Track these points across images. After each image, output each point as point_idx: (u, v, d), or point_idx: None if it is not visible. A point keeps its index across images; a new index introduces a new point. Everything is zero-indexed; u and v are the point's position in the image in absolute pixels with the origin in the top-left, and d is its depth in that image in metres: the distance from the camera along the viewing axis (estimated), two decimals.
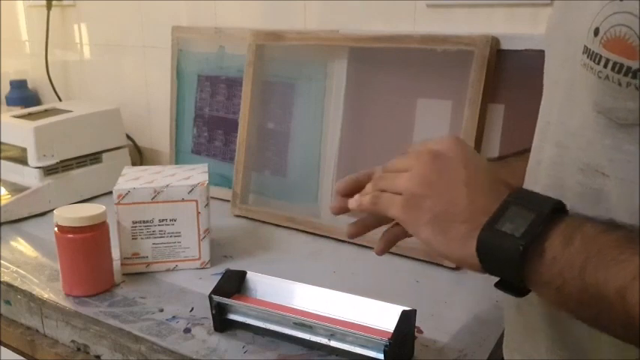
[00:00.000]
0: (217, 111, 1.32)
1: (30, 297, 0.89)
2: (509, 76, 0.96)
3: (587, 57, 0.44)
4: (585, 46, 0.45)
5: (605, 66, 0.43)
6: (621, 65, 0.42)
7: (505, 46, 0.96)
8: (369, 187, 0.58)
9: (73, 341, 0.85)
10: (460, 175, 0.51)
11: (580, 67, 0.46)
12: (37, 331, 0.90)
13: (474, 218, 0.48)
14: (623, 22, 0.41)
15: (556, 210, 0.45)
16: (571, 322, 0.49)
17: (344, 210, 0.61)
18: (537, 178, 0.55)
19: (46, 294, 0.89)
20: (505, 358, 0.63)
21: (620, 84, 0.42)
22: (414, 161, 0.53)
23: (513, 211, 0.46)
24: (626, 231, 0.42)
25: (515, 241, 0.44)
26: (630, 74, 0.41)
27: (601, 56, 0.43)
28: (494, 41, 0.96)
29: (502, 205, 0.47)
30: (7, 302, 0.93)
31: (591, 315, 0.43)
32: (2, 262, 0.99)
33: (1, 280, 0.94)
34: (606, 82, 0.43)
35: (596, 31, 0.43)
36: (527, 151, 0.66)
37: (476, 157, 0.53)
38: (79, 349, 0.85)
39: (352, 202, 0.59)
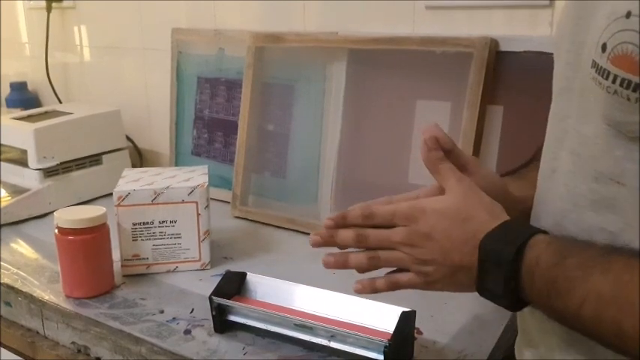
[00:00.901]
0: (217, 113, 1.32)
1: (30, 299, 0.90)
2: (508, 78, 0.96)
3: (596, 72, 0.45)
4: (593, 60, 0.45)
5: (614, 81, 0.43)
6: (629, 81, 0.42)
7: (504, 47, 0.97)
8: (360, 256, 0.61)
9: (73, 343, 0.85)
10: (448, 243, 0.56)
11: (589, 80, 0.46)
12: (38, 332, 0.90)
13: (470, 276, 0.55)
14: (629, 39, 0.42)
15: (519, 251, 0.50)
16: None
17: (324, 244, 0.63)
18: (552, 186, 0.55)
19: (46, 296, 0.89)
20: (517, 357, 0.63)
21: (629, 99, 0.43)
22: (408, 241, 0.58)
23: (490, 272, 0.52)
24: (577, 259, 0.48)
25: (501, 300, 0.53)
26: (639, 90, 0.42)
27: (609, 72, 0.44)
28: (493, 43, 0.96)
29: (479, 265, 0.53)
30: (8, 304, 0.93)
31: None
32: (3, 263, 0.99)
33: (2, 281, 0.94)
34: (615, 96, 0.44)
35: (604, 47, 0.44)
36: (532, 160, 0.67)
37: (455, 217, 0.56)
38: (79, 351, 0.85)
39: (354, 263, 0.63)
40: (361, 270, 0.62)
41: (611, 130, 0.46)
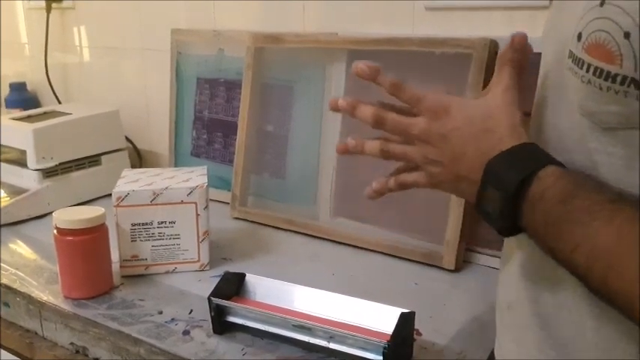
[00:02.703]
0: (216, 113, 1.32)
1: (29, 299, 0.89)
2: None
3: (572, 61, 0.45)
4: (570, 50, 0.45)
5: (588, 70, 0.43)
6: (602, 70, 0.42)
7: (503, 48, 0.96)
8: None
9: (71, 343, 0.85)
10: (461, 150, 0.54)
11: (566, 71, 0.46)
12: (36, 333, 0.90)
13: (472, 190, 0.53)
14: (603, 27, 0.42)
15: (525, 180, 0.48)
16: (560, 322, 0.50)
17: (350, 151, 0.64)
18: None
19: (45, 296, 0.89)
20: (496, 357, 0.63)
21: (601, 88, 0.43)
22: (424, 137, 0.56)
23: (489, 194, 0.51)
24: (585, 201, 0.45)
25: (495, 224, 0.52)
26: (610, 79, 0.42)
27: (584, 61, 0.44)
28: (493, 44, 0.96)
29: (481, 186, 0.51)
30: (6, 305, 0.93)
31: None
32: (1, 264, 0.99)
33: (0, 282, 0.94)
34: (589, 86, 0.44)
35: (579, 36, 0.44)
36: None
37: (479, 125, 0.54)
38: (77, 352, 0.85)
39: (373, 148, 0.63)
40: (373, 155, 0.62)
41: (584, 121, 0.46)
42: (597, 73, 0.43)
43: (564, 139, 0.49)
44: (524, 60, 0.58)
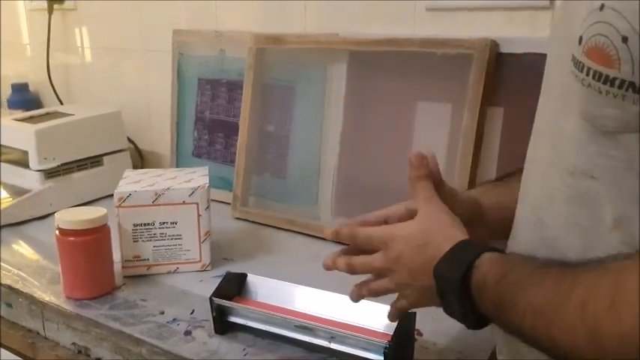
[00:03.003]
0: (218, 114, 1.32)
1: (31, 300, 0.90)
2: (509, 80, 0.96)
3: (574, 65, 0.46)
4: (572, 54, 0.46)
5: (588, 74, 0.44)
6: (601, 74, 0.43)
7: (504, 49, 0.97)
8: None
9: (73, 344, 0.85)
10: (413, 267, 0.61)
11: (570, 75, 0.47)
12: (38, 333, 0.90)
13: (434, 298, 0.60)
14: (602, 31, 0.42)
15: (465, 273, 0.54)
16: None
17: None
18: (531, 176, 0.56)
19: (47, 297, 0.89)
20: (497, 354, 0.64)
21: (600, 92, 0.43)
22: (385, 266, 0.63)
23: (446, 295, 0.57)
24: (516, 274, 0.51)
25: (465, 320, 0.58)
26: (609, 83, 0.42)
27: (584, 64, 0.44)
28: (494, 44, 0.96)
29: (437, 292, 0.58)
30: (9, 305, 0.93)
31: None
32: (3, 264, 1.00)
33: (3, 282, 0.94)
34: (589, 90, 0.44)
35: (580, 40, 0.44)
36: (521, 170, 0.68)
37: (416, 243, 0.61)
38: (79, 352, 0.85)
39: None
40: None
41: (586, 124, 0.46)
42: (597, 77, 0.43)
43: (567, 142, 0.49)
44: (430, 169, 0.65)
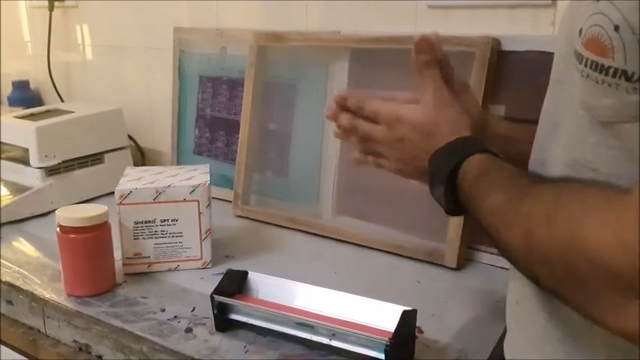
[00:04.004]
0: (219, 112, 1.32)
1: (32, 297, 0.90)
2: (510, 77, 0.96)
3: (575, 57, 0.46)
4: (574, 47, 0.46)
5: (586, 65, 0.44)
6: (597, 63, 0.43)
7: (506, 47, 0.97)
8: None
9: (74, 341, 0.85)
10: (414, 152, 0.68)
11: (571, 67, 0.47)
12: (39, 331, 0.90)
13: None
14: (597, 22, 0.43)
15: (456, 167, 0.60)
16: (566, 315, 0.50)
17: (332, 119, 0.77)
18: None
19: (47, 294, 0.89)
20: (505, 354, 0.64)
21: (597, 82, 0.44)
22: (385, 141, 0.70)
23: (434, 183, 0.63)
24: (492, 176, 0.57)
25: (445, 207, 0.64)
26: (604, 72, 0.43)
27: (583, 56, 0.45)
28: (495, 42, 0.96)
29: (428, 177, 0.64)
30: (9, 302, 0.93)
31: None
32: (4, 262, 1.00)
33: (3, 280, 0.94)
34: (588, 80, 0.45)
35: (580, 32, 0.45)
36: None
37: (422, 130, 0.67)
38: (80, 349, 0.85)
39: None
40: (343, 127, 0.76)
41: (585, 116, 0.47)
42: (594, 67, 0.44)
43: (569, 134, 0.50)
44: (437, 55, 0.69)
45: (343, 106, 0.74)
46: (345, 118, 0.73)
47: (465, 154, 0.60)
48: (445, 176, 0.60)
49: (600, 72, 0.43)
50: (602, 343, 0.48)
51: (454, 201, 0.61)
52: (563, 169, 0.50)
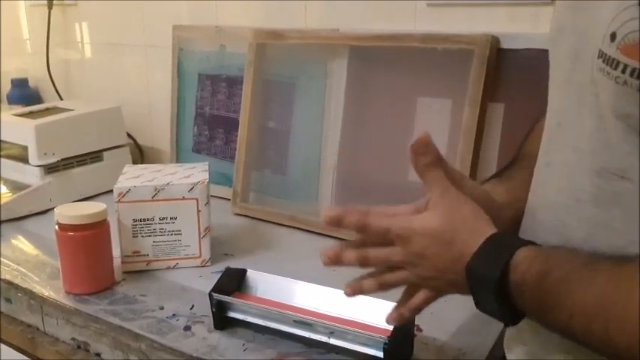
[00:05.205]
0: (218, 110, 1.32)
1: (30, 295, 0.90)
2: (510, 75, 0.96)
3: (604, 62, 0.44)
4: (601, 50, 0.44)
5: (623, 72, 0.42)
6: (639, 71, 0.42)
7: (505, 45, 0.97)
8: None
9: (73, 339, 0.85)
10: (439, 264, 0.57)
11: (595, 72, 0.45)
12: (38, 328, 0.90)
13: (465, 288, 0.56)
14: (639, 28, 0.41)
15: (503, 272, 0.51)
16: None
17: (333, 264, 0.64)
18: (547, 180, 0.55)
19: (46, 292, 0.89)
20: (506, 351, 0.63)
21: (639, 90, 0.42)
22: (407, 260, 0.59)
23: (481, 294, 0.54)
24: (561, 272, 0.48)
25: (500, 318, 0.54)
26: None
27: (618, 62, 0.43)
28: (495, 40, 0.96)
29: (470, 290, 0.54)
30: (8, 300, 0.93)
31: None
32: (3, 260, 0.99)
33: (2, 278, 0.94)
34: (624, 87, 0.43)
35: (613, 36, 0.43)
36: (516, 161, 0.68)
37: (441, 239, 0.56)
38: (79, 347, 0.85)
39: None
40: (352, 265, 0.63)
41: (619, 123, 0.45)
42: (635, 74, 0.42)
43: (590, 140, 0.48)
44: (435, 155, 0.58)
45: (340, 225, 0.61)
46: (351, 257, 0.61)
47: (507, 256, 0.51)
48: (494, 288, 0.51)
49: None
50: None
51: (510, 311, 0.52)
52: (592, 176, 0.48)
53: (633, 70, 0.42)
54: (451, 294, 0.60)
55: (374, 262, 0.61)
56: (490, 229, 0.55)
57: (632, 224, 0.46)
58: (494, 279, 0.51)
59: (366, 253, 0.60)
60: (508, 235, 0.55)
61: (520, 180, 0.65)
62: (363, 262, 0.61)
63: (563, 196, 0.52)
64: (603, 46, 0.44)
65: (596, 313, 0.44)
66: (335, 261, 0.62)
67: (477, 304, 0.55)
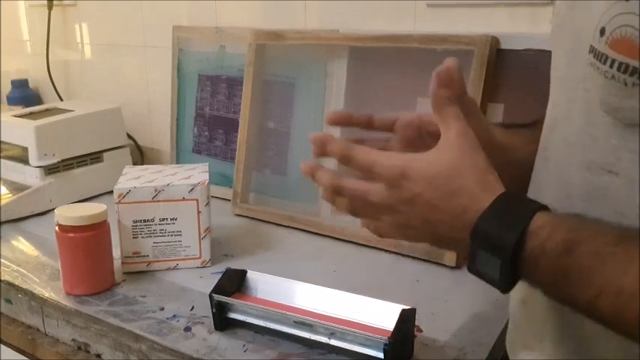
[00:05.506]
0: (218, 110, 1.32)
1: (31, 296, 0.90)
2: (509, 76, 0.96)
3: (594, 57, 0.45)
4: (591, 45, 0.45)
5: (611, 66, 0.43)
6: (627, 65, 0.42)
7: (505, 45, 0.97)
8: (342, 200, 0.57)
9: (73, 340, 0.85)
10: (431, 216, 0.51)
11: (586, 66, 0.46)
12: (38, 329, 0.90)
13: (459, 246, 0.51)
14: (628, 22, 0.41)
15: (520, 241, 0.46)
16: (577, 317, 0.48)
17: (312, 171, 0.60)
18: (544, 175, 0.55)
19: (46, 293, 0.89)
20: (509, 354, 0.63)
21: (625, 84, 0.42)
22: (387, 204, 0.53)
23: (485, 257, 0.48)
24: (590, 246, 0.44)
25: (495, 284, 0.49)
26: (636, 75, 0.42)
27: (607, 56, 0.43)
28: (494, 41, 0.96)
29: (472, 249, 0.49)
30: (8, 301, 0.93)
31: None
32: (3, 261, 0.99)
33: (2, 279, 0.94)
34: (612, 81, 0.43)
35: (602, 31, 0.43)
36: (534, 124, 0.64)
37: (443, 188, 0.50)
38: (79, 348, 0.85)
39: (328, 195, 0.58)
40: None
41: (607, 117, 0.45)
42: (622, 69, 0.42)
43: (581, 134, 0.48)
44: (460, 90, 0.54)
45: (323, 152, 0.57)
46: (324, 177, 0.57)
47: (526, 220, 0.46)
48: (509, 253, 0.46)
49: (631, 74, 0.42)
50: (617, 349, 0.48)
51: (513, 279, 0.48)
52: (581, 171, 0.48)
53: (620, 65, 0.42)
54: (416, 241, 0.56)
55: (347, 194, 0.55)
56: (500, 187, 0.50)
57: (620, 218, 0.46)
58: (510, 244, 0.46)
59: (340, 182, 0.54)
60: (521, 195, 0.50)
61: (523, 132, 0.64)
62: (335, 190, 0.55)
63: (556, 191, 0.52)
64: (593, 41, 0.45)
65: (634, 295, 0.41)
66: (310, 171, 0.58)
67: (474, 267, 0.50)
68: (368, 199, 0.53)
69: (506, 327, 0.76)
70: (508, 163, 0.57)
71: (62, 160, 1.25)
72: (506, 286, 0.48)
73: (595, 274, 0.43)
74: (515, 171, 0.58)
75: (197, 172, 0.99)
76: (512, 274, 0.47)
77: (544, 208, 0.47)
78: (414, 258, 0.99)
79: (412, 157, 0.51)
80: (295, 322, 0.73)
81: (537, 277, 0.47)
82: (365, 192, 0.53)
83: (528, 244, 0.46)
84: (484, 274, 0.49)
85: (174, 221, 0.94)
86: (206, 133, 1.34)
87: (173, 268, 0.96)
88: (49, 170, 1.23)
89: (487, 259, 0.48)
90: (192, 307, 0.84)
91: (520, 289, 0.55)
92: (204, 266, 0.97)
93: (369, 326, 0.72)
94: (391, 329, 0.68)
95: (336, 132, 1.12)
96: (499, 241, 0.47)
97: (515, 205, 0.48)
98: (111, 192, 0.93)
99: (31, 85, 1.78)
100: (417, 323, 0.74)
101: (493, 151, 0.56)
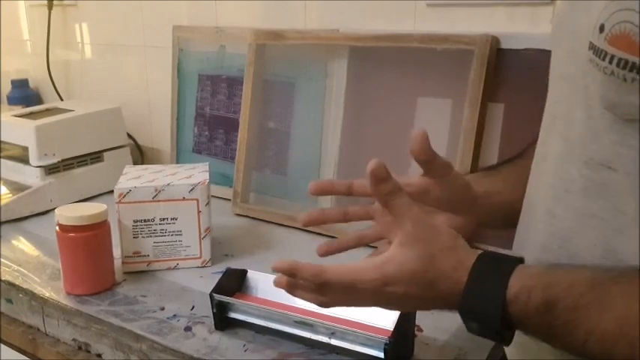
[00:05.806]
0: (218, 110, 1.32)
1: (31, 296, 0.90)
2: (509, 75, 0.96)
3: (593, 53, 0.45)
4: (591, 42, 0.45)
5: (611, 62, 0.43)
6: (626, 61, 0.42)
7: (505, 45, 0.97)
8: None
9: (74, 340, 0.85)
10: (422, 303, 0.56)
11: (586, 63, 0.46)
12: (39, 329, 0.90)
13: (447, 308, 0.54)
14: (627, 18, 0.42)
15: (503, 313, 0.48)
16: None
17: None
18: (543, 173, 0.55)
19: (47, 293, 0.89)
20: (508, 355, 0.63)
21: (625, 80, 0.43)
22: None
23: (476, 328, 0.51)
24: (568, 301, 0.46)
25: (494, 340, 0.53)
26: (635, 70, 0.42)
27: (606, 52, 0.43)
28: (494, 40, 0.96)
29: (464, 322, 0.52)
30: (9, 301, 0.93)
31: None
32: (4, 260, 1.00)
33: (3, 278, 0.94)
34: (612, 77, 0.43)
35: (602, 28, 0.44)
36: (519, 157, 0.69)
37: (421, 282, 0.52)
38: (80, 348, 0.85)
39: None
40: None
41: (606, 113, 0.45)
42: (621, 65, 0.42)
43: (580, 130, 0.49)
44: (430, 157, 0.56)
45: (294, 282, 0.58)
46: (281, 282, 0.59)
47: (502, 291, 0.48)
48: (496, 327, 0.49)
49: (630, 70, 0.42)
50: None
51: (509, 335, 0.50)
52: (580, 167, 0.49)
53: (620, 61, 0.42)
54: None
55: (334, 301, 0.57)
56: (470, 256, 0.51)
57: (619, 214, 0.46)
58: (496, 322, 0.48)
59: (329, 302, 0.56)
60: (490, 259, 0.51)
61: (506, 173, 0.66)
62: (290, 290, 0.59)
63: (554, 187, 0.52)
64: (593, 37, 0.45)
65: (618, 335, 0.43)
66: (288, 272, 0.58)
67: (471, 331, 0.52)
68: (357, 305, 0.58)
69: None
70: (497, 209, 0.62)
71: (62, 160, 1.25)
72: (507, 342, 0.51)
73: (578, 326, 0.45)
74: (507, 213, 0.61)
75: (197, 172, 0.99)
76: (504, 336, 0.50)
77: (515, 264, 0.49)
78: None
79: (383, 265, 0.52)
80: (296, 321, 0.74)
81: (528, 333, 0.50)
82: (354, 300, 0.56)
83: (511, 309, 0.48)
84: (481, 335, 0.52)
85: (175, 221, 0.94)
86: (206, 133, 1.34)
87: (173, 268, 0.96)
88: (50, 170, 1.23)
89: (480, 329, 0.51)
90: (193, 307, 0.84)
91: None
92: (205, 266, 0.97)
93: (370, 326, 0.72)
94: (391, 329, 0.68)
95: (335, 141, 1.12)
96: (485, 318, 0.50)
97: (491, 277, 0.50)
98: (111, 192, 0.93)
99: (31, 84, 1.78)
100: (417, 323, 0.74)
101: (477, 201, 0.63)
